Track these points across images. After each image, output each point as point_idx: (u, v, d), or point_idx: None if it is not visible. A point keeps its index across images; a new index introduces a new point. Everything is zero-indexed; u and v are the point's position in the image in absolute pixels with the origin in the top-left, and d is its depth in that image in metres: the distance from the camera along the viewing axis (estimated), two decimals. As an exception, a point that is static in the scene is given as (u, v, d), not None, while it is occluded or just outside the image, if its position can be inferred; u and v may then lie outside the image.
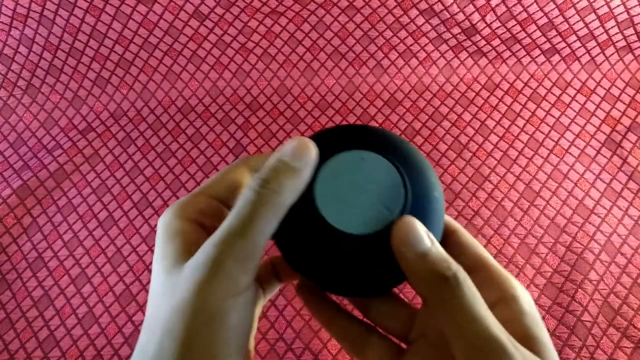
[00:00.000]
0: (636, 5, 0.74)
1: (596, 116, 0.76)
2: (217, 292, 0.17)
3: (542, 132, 0.75)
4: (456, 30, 0.79)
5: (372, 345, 0.22)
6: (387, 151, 0.20)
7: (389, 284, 0.20)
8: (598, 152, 0.73)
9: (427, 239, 0.18)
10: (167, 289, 0.18)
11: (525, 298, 0.19)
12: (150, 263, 0.67)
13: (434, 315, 0.19)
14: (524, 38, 0.78)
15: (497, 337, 0.16)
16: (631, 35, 0.77)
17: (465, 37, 0.79)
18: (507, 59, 0.81)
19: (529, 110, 0.78)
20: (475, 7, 0.76)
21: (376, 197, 0.18)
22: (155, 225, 0.69)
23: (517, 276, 0.64)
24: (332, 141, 0.20)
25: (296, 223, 0.19)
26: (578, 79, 0.80)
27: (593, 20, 0.76)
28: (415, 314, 0.23)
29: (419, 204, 0.19)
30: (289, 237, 0.19)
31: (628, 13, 0.75)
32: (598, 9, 0.75)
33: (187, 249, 0.19)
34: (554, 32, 0.77)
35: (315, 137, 0.20)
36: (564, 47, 0.79)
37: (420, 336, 0.22)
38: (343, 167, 0.19)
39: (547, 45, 0.79)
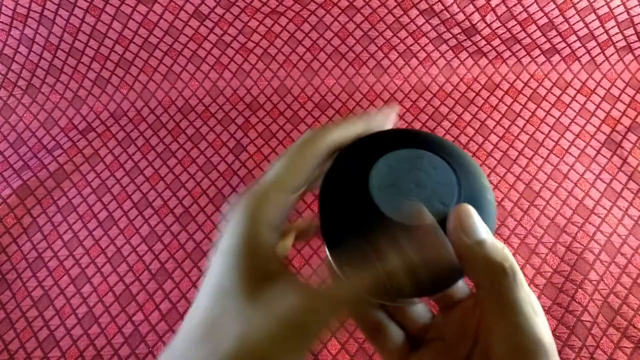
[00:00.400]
0: (636, 6, 0.74)
1: (596, 116, 0.76)
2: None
3: (542, 132, 0.75)
4: (456, 30, 0.78)
5: (389, 333, 0.22)
6: (443, 153, 0.20)
7: (443, 282, 0.19)
8: (598, 152, 0.73)
9: (485, 228, 0.18)
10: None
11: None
12: (150, 263, 0.67)
13: (483, 305, 0.18)
14: (524, 38, 0.78)
15: (543, 340, 0.16)
16: (631, 35, 0.77)
17: (466, 37, 0.79)
18: (507, 59, 0.81)
19: (529, 111, 0.78)
20: (475, 7, 0.76)
21: (431, 192, 0.18)
22: (155, 226, 0.69)
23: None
24: (390, 139, 0.20)
25: (348, 209, 0.19)
26: (578, 79, 0.80)
27: (593, 21, 0.76)
28: (435, 316, 0.23)
29: (473, 203, 0.18)
30: (337, 222, 0.19)
31: (628, 13, 0.75)
32: (598, 9, 0.75)
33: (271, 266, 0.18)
34: (554, 32, 0.77)
35: (375, 135, 0.21)
36: (564, 47, 0.79)
37: (437, 338, 0.22)
38: (399, 162, 0.19)
39: (547, 46, 0.79)
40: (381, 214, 0.18)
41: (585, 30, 0.77)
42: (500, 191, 0.70)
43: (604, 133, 0.75)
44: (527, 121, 0.77)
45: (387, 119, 0.22)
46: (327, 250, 0.20)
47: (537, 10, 0.75)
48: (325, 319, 0.17)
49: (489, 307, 0.18)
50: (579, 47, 0.79)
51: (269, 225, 0.18)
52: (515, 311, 0.17)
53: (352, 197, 0.19)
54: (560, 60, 0.80)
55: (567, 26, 0.77)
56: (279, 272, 0.18)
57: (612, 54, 0.79)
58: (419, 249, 0.17)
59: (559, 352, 0.59)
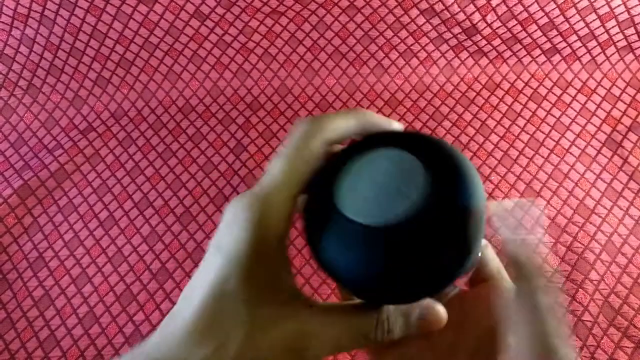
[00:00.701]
0: (637, 5, 0.74)
1: (597, 116, 0.76)
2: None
3: (542, 132, 0.75)
4: (457, 30, 0.78)
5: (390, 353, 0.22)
6: (416, 149, 0.18)
7: (425, 288, 0.17)
8: (599, 151, 0.73)
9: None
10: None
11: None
12: (151, 263, 0.67)
13: (517, 302, 0.18)
14: (525, 38, 0.78)
15: (563, 352, 0.16)
16: (632, 35, 0.77)
17: (466, 37, 0.79)
18: (507, 58, 0.81)
19: (530, 110, 0.78)
20: (475, 6, 0.76)
21: (394, 187, 0.17)
22: (156, 226, 0.69)
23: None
24: (361, 145, 0.20)
25: (317, 219, 0.18)
26: (579, 79, 0.80)
27: (594, 20, 0.76)
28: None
29: (438, 208, 0.17)
30: (313, 238, 0.19)
31: (629, 13, 0.75)
32: (599, 8, 0.75)
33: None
34: (554, 32, 0.77)
35: (351, 145, 0.20)
36: (564, 47, 0.79)
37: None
38: (364, 165, 0.18)
39: (547, 45, 0.79)
40: (346, 219, 0.17)
41: (586, 30, 0.77)
42: (501, 191, 0.70)
43: (605, 133, 0.75)
44: (528, 121, 0.77)
45: (380, 121, 0.21)
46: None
47: (538, 10, 0.75)
48: (325, 349, 0.17)
49: (520, 304, 0.17)
50: (579, 47, 0.79)
51: (276, 233, 0.18)
52: (542, 315, 0.17)
53: (322, 201, 0.18)
54: (560, 60, 0.80)
55: (567, 26, 0.77)
56: (284, 285, 0.18)
57: (613, 54, 0.79)
58: (388, 251, 0.17)
59: (560, 352, 0.59)
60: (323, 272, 0.19)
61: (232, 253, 0.17)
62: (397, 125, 0.21)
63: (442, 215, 0.16)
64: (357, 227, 0.17)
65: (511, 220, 0.18)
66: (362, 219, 0.17)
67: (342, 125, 0.19)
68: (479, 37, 0.79)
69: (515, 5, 0.75)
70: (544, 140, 0.75)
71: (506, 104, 0.78)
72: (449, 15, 0.77)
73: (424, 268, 0.16)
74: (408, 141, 0.19)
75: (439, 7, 0.76)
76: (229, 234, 0.17)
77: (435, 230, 0.16)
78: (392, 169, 0.18)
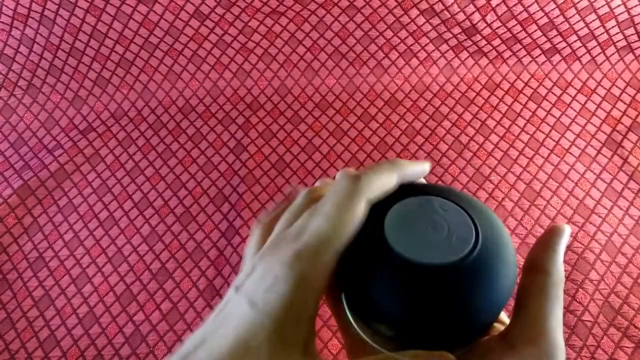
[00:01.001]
0: (637, 5, 0.74)
1: (597, 116, 0.76)
2: None
3: (542, 132, 0.75)
4: (457, 30, 0.79)
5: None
6: (453, 197, 0.19)
7: (472, 331, 0.18)
8: (599, 151, 0.73)
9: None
10: None
11: None
12: (151, 263, 0.67)
13: (528, 300, 0.19)
14: (525, 38, 0.78)
15: (561, 347, 0.18)
16: (632, 35, 0.77)
17: (466, 37, 0.79)
18: (507, 58, 0.81)
19: (530, 110, 0.78)
20: (475, 7, 0.76)
21: (448, 231, 0.18)
22: (156, 226, 0.69)
23: (518, 276, 0.64)
24: (401, 189, 0.20)
25: (366, 260, 0.18)
26: (579, 79, 0.80)
27: (594, 20, 0.76)
28: None
29: (491, 239, 0.18)
30: (355, 275, 0.18)
31: (629, 13, 0.75)
32: (599, 8, 0.75)
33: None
34: (554, 32, 0.77)
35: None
36: (564, 47, 0.79)
37: None
38: (411, 208, 0.19)
39: (547, 45, 0.79)
40: (398, 256, 0.17)
41: (586, 30, 0.77)
42: (501, 191, 0.70)
43: (605, 133, 0.75)
44: (528, 121, 0.77)
45: (420, 171, 0.21)
46: (344, 301, 0.19)
47: (538, 10, 0.75)
48: None
49: (531, 306, 0.19)
50: (579, 47, 0.79)
51: (315, 293, 0.17)
52: (555, 312, 0.18)
53: (369, 245, 0.18)
54: (560, 60, 0.80)
55: (567, 26, 0.77)
56: (309, 349, 0.17)
57: (613, 54, 0.79)
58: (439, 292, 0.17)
59: (560, 352, 0.59)
60: (366, 315, 0.19)
61: (269, 311, 0.16)
62: (427, 167, 0.21)
63: (494, 262, 0.17)
64: (416, 266, 0.17)
65: (557, 244, 0.20)
66: (422, 258, 0.17)
67: (385, 183, 0.19)
68: (478, 37, 0.79)
69: (515, 5, 0.75)
70: (544, 141, 0.75)
71: (506, 104, 0.78)
72: (449, 16, 0.77)
73: (478, 310, 0.17)
74: (443, 193, 0.20)
75: (438, 7, 0.76)
76: (268, 291, 0.16)
77: (489, 275, 0.17)
78: (442, 215, 0.18)
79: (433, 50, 0.81)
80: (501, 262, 0.18)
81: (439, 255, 0.17)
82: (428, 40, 0.80)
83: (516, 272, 0.19)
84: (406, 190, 0.20)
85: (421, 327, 0.17)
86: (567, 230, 0.19)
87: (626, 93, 0.78)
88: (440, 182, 0.72)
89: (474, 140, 0.75)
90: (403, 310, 0.17)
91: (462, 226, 0.18)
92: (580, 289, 0.62)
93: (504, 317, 0.22)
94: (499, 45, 0.79)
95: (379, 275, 0.17)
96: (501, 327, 0.20)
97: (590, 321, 0.60)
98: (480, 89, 0.80)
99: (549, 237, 0.19)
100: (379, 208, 0.19)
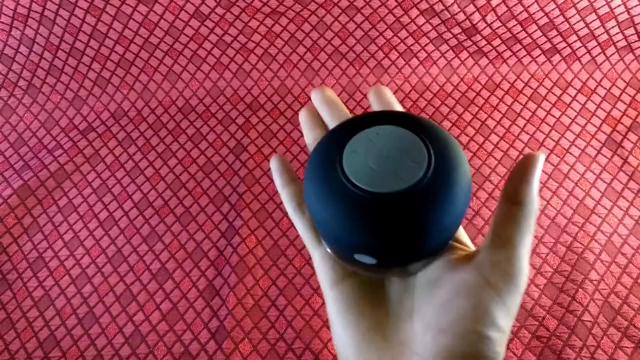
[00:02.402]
0: (637, 5, 0.74)
1: (597, 116, 0.76)
2: None
3: (542, 132, 0.75)
4: (457, 30, 0.78)
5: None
6: (417, 128, 0.21)
7: (427, 250, 0.20)
8: (599, 152, 0.73)
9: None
10: None
11: None
12: (150, 263, 0.67)
13: (505, 221, 0.20)
14: (525, 38, 0.78)
15: (526, 274, 0.19)
16: (632, 35, 0.77)
17: (466, 37, 0.79)
18: (507, 58, 0.81)
19: (530, 110, 0.78)
20: (475, 7, 0.76)
21: (401, 162, 0.19)
22: (156, 226, 0.69)
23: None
24: (357, 122, 0.22)
25: (326, 183, 0.20)
26: (579, 79, 0.80)
27: (594, 20, 0.76)
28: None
29: (445, 165, 0.19)
30: (318, 196, 0.20)
31: (629, 13, 0.75)
32: (599, 8, 0.75)
33: None
34: (554, 32, 0.77)
35: (344, 122, 0.22)
36: (564, 47, 0.79)
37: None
38: (373, 137, 0.20)
39: (547, 45, 0.79)
40: (359, 189, 0.19)
41: (586, 30, 0.77)
42: (501, 190, 0.70)
43: (605, 133, 0.75)
44: (528, 121, 0.77)
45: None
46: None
47: (538, 10, 0.75)
48: None
49: (503, 233, 0.19)
50: (579, 47, 0.79)
51: None
52: (522, 245, 0.19)
53: (329, 172, 0.20)
54: (560, 60, 0.80)
55: (567, 26, 0.77)
56: None
57: (613, 54, 0.79)
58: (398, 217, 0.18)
59: (560, 352, 0.59)
60: (327, 241, 0.21)
61: None
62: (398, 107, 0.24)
63: (446, 185, 0.19)
64: (367, 195, 0.19)
65: (531, 174, 0.20)
66: (373, 188, 0.19)
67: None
68: (478, 37, 0.79)
69: (515, 5, 0.75)
70: (543, 141, 0.75)
71: (506, 104, 0.78)
72: (449, 16, 0.77)
73: (432, 229, 0.19)
74: (404, 120, 0.21)
75: (438, 7, 0.76)
76: None
77: (442, 197, 0.18)
78: (397, 144, 0.20)
79: (433, 51, 0.81)
80: (450, 188, 0.19)
81: (392, 184, 0.19)
82: (428, 40, 0.80)
83: (469, 195, 0.20)
84: (372, 117, 0.21)
85: (382, 251, 0.19)
86: (541, 159, 0.20)
87: (626, 93, 0.78)
88: None
89: (474, 140, 0.75)
90: (369, 238, 0.19)
91: (417, 154, 0.19)
92: (580, 289, 0.62)
93: (467, 240, 0.24)
94: (499, 45, 0.79)
95: (338, 209, 0.19)
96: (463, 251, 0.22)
97: (590, 321, 0.60)
98: (480, 89, 0.80)
99: (524, 169, 0.20)
100: (343, 136, 0.21)
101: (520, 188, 0.19)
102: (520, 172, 0.20)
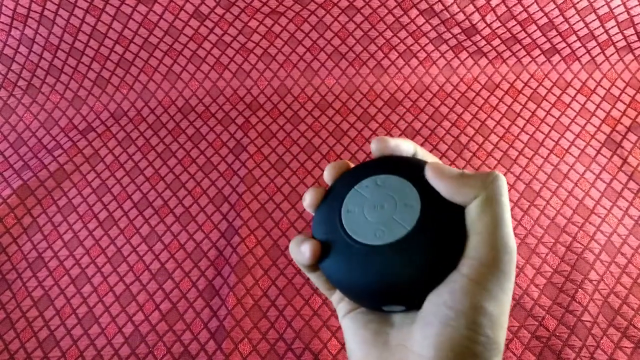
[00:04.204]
0: (636, 5, 0.74)
1: (596, 116, 0.76)
2: None
3: (542, 132, 0.75)
4: (456, 30, 0.79)
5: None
6: (408, 173, 0.22)
7: (409, 296, 0.20)
8: (598, 152, 0.73)
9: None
10: None
11: None
12: (150, 263, 0.67)
13: (482, 211, 0.20)
14: (524, 38, 0.78)
15: (512, 243, 0.19)
16: (631, 35, 0.77)
17: (466, 37, 0.79)
18: (507, 59, 0.81)
19: (529, 110, 0.78)
20: (475, 7, 0.76)
21: (393, 214, 0.21)
22: (155, 226, 0.69)
23: (517, 276, 0.64)
24: (356, 172, 0.23)
25: (328, 232, 0.22)
26: (578, 79, 0.80)
27: (593, 20, 0.76)
28: None
29: (434, 222, 0.20)
30: (326, 258, 0.22)
31: (628, 13, 0.75)
32: (598, 9, 0.75)
33: None
34: (554, 32, 0.77)
35: (346, 173, 0.24)
36: (564, 47, 0.79)
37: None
38: (365, 191, 0.22)
39: (547, 45, 0.79)
40: (353, 240, 0.21)
41: (586, 30, 0.77)
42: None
43: (604, 133, 0.75)
44: (527, 121, 0.77)
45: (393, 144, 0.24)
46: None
47: (537, 10, 0.75)
48: None
49: (485, 210, 0.20)
50: (579, 47, 0.79)
51: None
52: (499, 217, 0.19)
53: (331, 220, 0.22)
54: (560, 60, 0.80)
55: (567, 26, 0.77)
56: None
57: (612, 54, 0.79)
58: (380, 266, 0.20)
59: (559, 352, 0.59)
60: (331, 282, 0.22)
61: None
62: (407, 146, 0.24)
63: (442, 218, 0.20)
64: (362, 247, 0.20)
65: (443, 169, 0.21)
66: (366, 240, 0.20)
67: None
68: (478, 37, 0.79)
69: (514, 5, 0.75)
70: (543, 141, 0.75)
71: (505, 104, 0.78)
72: (449, 16, 0.77)
73: (438, 261, 0.19)
74: (393, 166, 0.22)
75: (438, 7, 0.76)
76: None
77: (441, 230, 0.20)
78: (388, 192, 0.21)
79: (433, 51, 0.81)
80: (448, 219, 0.20)
81: (392, 233, 0.20)
82: (428, 41, 0.80)
83: (458, 240, 0.20)
84: (363, 170, 0.23)
85: (406, 297, 0.20)
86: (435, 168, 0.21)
87: (625, 93, 0.78)
88: None
89: (474, 141, 0.75)
90: (351, 281, 0.21)
91: (408, 197, 0.21)
92: (579, 289, 0.62)
93: None
94: (498, 45, 0.79)
95: (334, 256, 0.21)
96: None
97: (590, 321, 0.60)
98: (480, 89, 0.80)
99: (439, 174, 0.20)
100: (347, 183, 0.23)
101: (456, 189, 0.20)
102: (440, 177, 0.20)
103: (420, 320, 0.20)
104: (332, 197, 0.23)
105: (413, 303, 0.20)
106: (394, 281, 0.20)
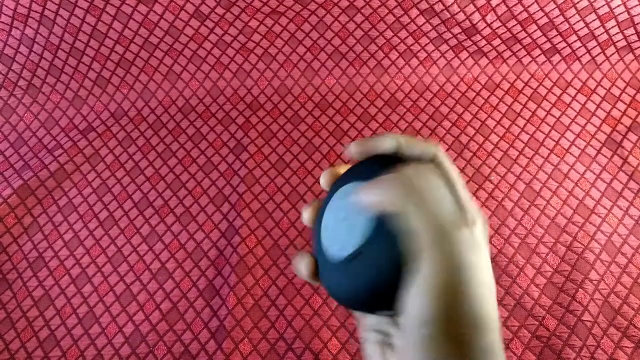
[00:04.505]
0: (636, 5, 0.74)
1: (597, 116, 0.76)
2: None
3: (542, 132, 0.75)
4: (457, 30, 0.78)
5: None
6: (371, 178, 0.21)
7: (372, 304, 0.20)
8: (598, 151, 0.73)
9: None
10: None
11: None
12: (150, 263, 0.67)
13: None
14: (525, 38, 0.78)
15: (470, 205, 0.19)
16: (632, 35, 0.77)
17: (466, 37, 0.79)
18: (507, 58, 0.81)
19: (530, 110, 0.78)
20: (475, 7, 0.76)
21: (354, 222, 0.20)
22: (156, 226, 0.69)
23: (517, 276, 0.64)
24: (336, 183, 0.23)
25: (316, 258, 0.23)
26: (578, 79, 0.80)
27: (593, 20, 0.76)
28: None
29: (386, 233, 0.19)
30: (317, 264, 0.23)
31: (628, 13, 0.75)
32: (598, 8, 0.75)
33: None
34: (554, 32, 0.77)
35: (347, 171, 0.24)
36: (564, 47, 0.79)
37: None
38: (337, 203, 0.22)
39: (547, 45, 0.79)
40: (322, 252, 0.22)
41: (586, 30, 0.77)
42: (501, 191, 0.70)
43: (605, 133, 0.75)
44: (528, 121, 0.77)
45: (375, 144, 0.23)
46: None
47: (538, 10, 0.75)
48: None
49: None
50: (579, 47, 0.79)
51: None
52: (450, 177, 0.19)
53: (315, 235, 0.23)
54: (560, 60, 0.80)
55: (567, 26, 0.77)
56: None
57: (613, 54, 0.79)
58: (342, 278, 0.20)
59: (560, 352, 0.59)
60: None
61: None
62: (389, 143, 0.22)
63: (389, 241, 0.19)
64: (332, 261, 0.21)
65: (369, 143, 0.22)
66: (335, 252, 0.21)
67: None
68: (478, 37, 0.79)
69: (515, 5, 0.75)
70: (543, 140, 0.75)
71: (506, 104, 0.78)
72: (449, 16, 0.77)
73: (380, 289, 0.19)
74: (370, 172, 0.21)
75: (438, 7, 0.76)
76: None
77: (381, 259, 0.19)
78: (351, 204, 0.21)
79: (433, 50, 0.81)
80: (388, 247, 0.19)
81: (344, 249, 0.20)
82: (428, 40, 0.80)
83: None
84: (348, 173, 0.23)
85: (388, 302, 0.20)
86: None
87: (626, 93, 0.78)
88: None
89: (474, 140, 0.75)
90: (334, 291, 0.22)
91: (362, 219, 0.20)
92: (580, 289, 0.62)
93: None
94: (499, 45, 0.79)
95: (320, 270, 0.23)
96: None
97: (590, 321, 0.60)
98: (480, 89, 0.80)
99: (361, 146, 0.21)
100: (328, 195, 0.23)
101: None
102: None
103: (402, 324, 0.19)
104: (320, 211, 0.24)
105: (393, 307, 0.20)
106: (367, 288, 0.19)
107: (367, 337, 0.22)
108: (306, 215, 0.24)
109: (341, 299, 0.21)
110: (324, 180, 0.24)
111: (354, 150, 0.22)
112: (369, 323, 0.22)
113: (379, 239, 0.19)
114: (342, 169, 0.24)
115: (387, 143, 0.21)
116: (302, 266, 0.23)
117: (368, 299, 0.20)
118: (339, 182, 0.23)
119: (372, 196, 0.19)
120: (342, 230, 0.21)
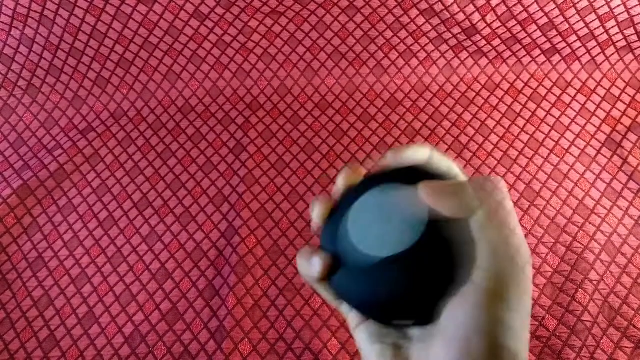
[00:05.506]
0: (636, 5, 0.74)
1: (596, 116, 0.76)
2: None
3: (542, 132, 0.75)
4: (456, 30, 0.78)
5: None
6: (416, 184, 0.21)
7: (398, 310, 0.20)
8: (598, 152, 0.73)
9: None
10: None
11: None
12: (150, 263, 0.67)
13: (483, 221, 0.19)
14: (525, 38, 0.78)
15: (524, 248, 0.19)
16: (631, 35, 0.77)
17: (466, 37, 0.79)
18: (507, 59, 0.81)
19: (530, 110, 0.78)
20: (475, 7, 0.76)
21: (399, 224, 0.20)
22: (156, 226, 0.69)
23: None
24: (366, 182, 0.22)
25: (339, 256, 0.21)
26: (578, 79, 0.80)
27: (593, 20, 0.76)
28: None
29: (442, 227, 0.19)
30: (335, 271, 0.21)
31: (628, 13, 0.75)
32: (598, 8, 0.75)
33: None
34: (554, 32, 0.77)
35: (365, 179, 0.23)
36: (564, 47, 0.79)
37: None
38: (373, 202, 0.21)
39: (547, 45, 0.79)
40: (356, 250, 0.20)
41: (586, 30, 0.77)
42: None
43: (605, 133, 0.75)
44: (528, 121, 0.77)
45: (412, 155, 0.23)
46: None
47: (538, 10, 0.75)
48: None
49: (482, 223, 0.19)
50: (579, 47, 0.79)
51: None
52: (505, 224, 0.19)
53: (339, 232, 0.21)
54: (560, 60, 0.80)
55: (567, 26, 0.77)
56: None
57: (613, 54, 0.79)
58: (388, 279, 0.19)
59: (560, 352, 0.59)
60: (341, 298, 0.22)
61: None
62: (423, 153, 0.22)
63: (439, 247, 0.19)
64: (369, 260, 0.20)
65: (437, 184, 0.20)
66: (373, 252, 0.20)
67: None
68: (478, 37, 0.79)
69: (515, 5, 0.75)
70: (543, 141, 0.75)
71: (506, 104, 0.78)
72: (449, 16, 0.77)
73: (447, 275, 0.19)
74: (414, 178, 0.21)
75: (438, 7, 0.76)
76: None
77: (418, 268, 0.19)
78: (398, 207, 0.20)
79: (433, 51, 0.81)
80: (438, 254, 0.19)
81: (385, 250, 0.19)
82: (428, 40, 0.80)
83: (465, 251, 0.19)
84: (385, 175, 0.22)
85: (416, 311, 0.20)
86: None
87: (626, 93, 0.78)
88: None
89: (474, 141, 0.75)
90: (352, 290, 0.21)
91: (413, 219, 0.19)
92: (579, 289, 0.62)
93: None
94: (498, 45, 0.79)
95: (343, 269, 0.21)
96: None
97: (590, 321, 0.60)
98: (480, 89, 0.80)
99: (433, 196, 0.19)
100: (356, 193, 0.22)
101: (448, 204, 0.19)
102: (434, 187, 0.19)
103: (439, 335, 0.19)
104: (342, 208, 0.22)
105: (422, 317, 0.20)
106: (400, 295, 0.19)
107: (370, 350, 0.21)
108: (317, 211, 0.22)
109: (364, 302, 0.21)
110: (345, 177, 0.23)
111: (391, 157, 0.22)
112: (375, 334, 0.22)
113: (429, 244, 0.19)
114: (362, 170, 0.23)
115: (421, 153, 0.22)
116: (314, 263, 0.21)
117: (398, 303, 0.19)
118: (368, 182, 0.22)
119: (444, 199, 0.19)
120: (382, 230, 0.20)
